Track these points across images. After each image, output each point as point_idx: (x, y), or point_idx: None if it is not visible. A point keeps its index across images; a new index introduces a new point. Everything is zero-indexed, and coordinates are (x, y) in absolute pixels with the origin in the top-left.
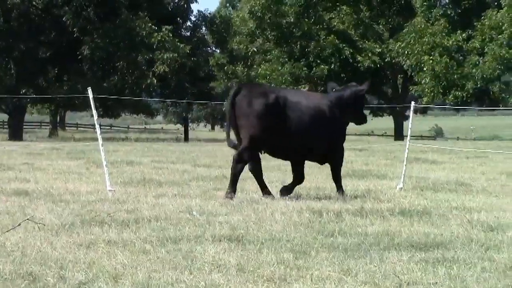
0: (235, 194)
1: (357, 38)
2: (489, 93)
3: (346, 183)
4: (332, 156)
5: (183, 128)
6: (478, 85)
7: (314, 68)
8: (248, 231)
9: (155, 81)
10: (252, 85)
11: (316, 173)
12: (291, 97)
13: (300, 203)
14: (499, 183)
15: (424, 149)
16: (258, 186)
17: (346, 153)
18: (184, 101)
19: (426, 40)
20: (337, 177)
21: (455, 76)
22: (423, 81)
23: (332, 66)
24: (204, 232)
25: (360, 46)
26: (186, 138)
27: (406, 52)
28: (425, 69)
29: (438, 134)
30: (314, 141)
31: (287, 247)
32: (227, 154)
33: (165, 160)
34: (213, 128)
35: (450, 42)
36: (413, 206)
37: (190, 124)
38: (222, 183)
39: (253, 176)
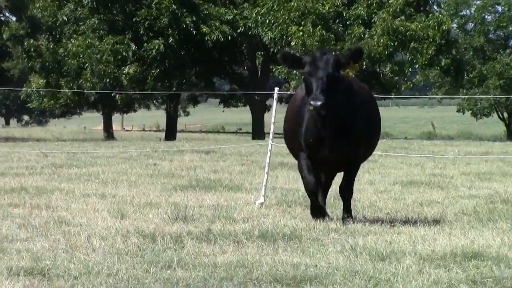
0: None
1: (200, 2)
2: (378, 76)
3: (188, 195)
4: None
5: None
6: (363, 66)
7: (145, 44)
8: (56, 263)
9: None
10: None
11: (148, 182)
12: None
13: (125, 224)
14: (391, 196)
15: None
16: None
17: (187, 156)
18: None
19: (294, 5)
20: None
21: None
22: None
23: (170, 41)
24: None
25: (206, 12)
26: None
27: (267, 20)
28: (293, 43)
29: None
30: None
31: (109, 283)
32: (28, 157)
33: None
34: (7, 123)
35: (327, 8)
36: (277, 228)
37: None
38: (20, 197)
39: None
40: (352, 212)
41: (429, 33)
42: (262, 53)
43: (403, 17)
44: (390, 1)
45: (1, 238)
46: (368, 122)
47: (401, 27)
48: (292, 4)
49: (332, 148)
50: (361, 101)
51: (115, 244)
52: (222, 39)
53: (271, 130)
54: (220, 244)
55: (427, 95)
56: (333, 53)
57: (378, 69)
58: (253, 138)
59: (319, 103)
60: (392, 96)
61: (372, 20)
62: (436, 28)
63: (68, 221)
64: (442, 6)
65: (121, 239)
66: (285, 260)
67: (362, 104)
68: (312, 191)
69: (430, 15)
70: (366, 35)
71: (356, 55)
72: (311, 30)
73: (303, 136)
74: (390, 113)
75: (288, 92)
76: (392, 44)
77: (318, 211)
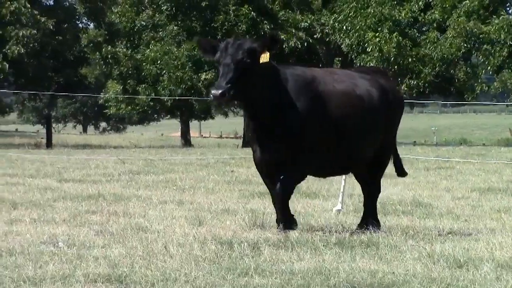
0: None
1: (277, 9)
2: (453, 81)
3: (265, 202)
4: None
5: (44, 130)
6: (437, 70)
7: None
8: (133, 269)
9: (7, 66)
10: None
11: (226, 189)
12: None
13: (203, 231)
14: (469, 203)
15: None
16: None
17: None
18: (46, 93)
19: (371, 11)
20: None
21: (410, 59)
22: (367, 65)
23: None
24: (74, 271)
25: (283, 18)
26: (49, 144)
27: (344, 27)
28: (369, 49)
29: None
30: None
31: None
32: (105, 164)
33: (21, 173)
34: (85, 130)
35: (403, 14)
36: (355, 235)
37: (54, 125)
38: (97, 204)
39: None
40: (281, 225)
41: (501, 35)
42: (340, 59)
43: (476, 19)
44: (464, 2)
45: (79, 245)
46: (297, 119)
47: (475, 29)
48: (369, 10)
49: (263, 149)
50: (292, 94)
51: (192, 251)
52: (299, 45)
53: None
54: (298, 251)
55: (505, 102)
56: (251, 39)
57: (452, 71)
58: None
59: (217, 91)
60: (466, 102)
61: (446, 24)
62: (508, 30)
63: (146, 228)
64: None
65: (198, 246)
66: (362, 267)
67: (291, 97)
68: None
69: (500, 17)
70: (441, 39)
71: (272, 42)
72: (387, 36)
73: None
74: (467, 120)
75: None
76: (465, 45)
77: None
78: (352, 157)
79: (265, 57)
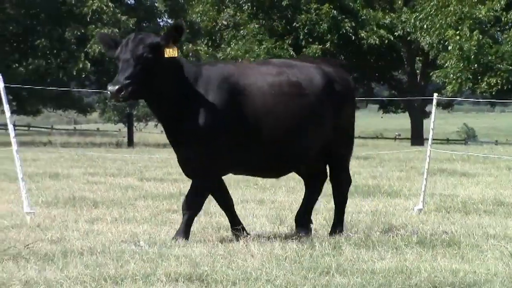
0: None
1: (359, 7)
2: None
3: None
4: None
5: (126, 129)
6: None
7: (304, 49)
8: (214, 268)
9: (89, 65)
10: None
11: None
12: None
13: (284, 230)
14: None
15: (451, 156)
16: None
17: None
18: None
19: (452, 9)
20: None
21: (490, 58)
22: (447, 64)
23: (328, 45)
24: (155, 270)
25: (364, 17)
26: (131, 143)
27: (425, 25)
28: (449, 47)
29: (469, 136)
30: None
31: None
32: None
33: (102, 172)
34: None
35: (483, 12)
36: (436, 234)
37: (135, 124)
38: (178, 202)
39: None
40: (180, 235)
41: None
42: (421, 58)
43: None
44: None
45: (160, 244)
46: (205, 115)
47: None
48: (450, 9)
49: (177, 149)
50: (201, 90)
51: (273, 250)
52: (379, 43)
53: (430, 136)
54: (379, 250)
55: None
56: (154, 34)
57: None
58: (412, 144)
59: (113, 87)
60: None
61: None
62: None
63: (226, 226)
64: None
65: (279, 245)
66: (444, 266)
67: (199, 93)
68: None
69: None
70: None
71: (175, 32)
72: (468, 35)
73: None
74: None
75: (448, 98)
76: None
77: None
78: (290, 150)
79: (172, 52)
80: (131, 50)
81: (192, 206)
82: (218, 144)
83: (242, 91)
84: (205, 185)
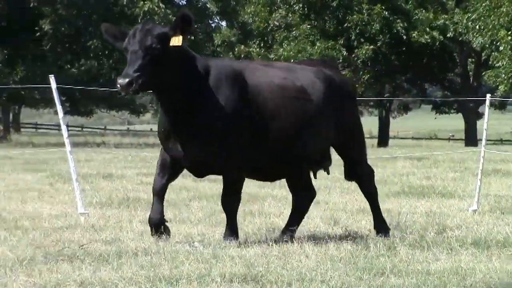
0: None
1: (411, 8)
2: None
3: (400, 202)
4: None
5: None
6: None
7: (356, 49)
8: (269, 269)
9: None
10: None
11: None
12: None
13: (339, 231)
14: None
15: (505, 157)
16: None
17: (400, 163)
18: None
19: (504, 10)
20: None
21: None
22: (498, 63)
23: (379, 44)
24: (210, 270)
25: (416, 17)
26: None
27: (478, 26)
28: (501, 48)
29: None
30: None
31: None
32: None
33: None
34: None
35: None
36: (491, 235)
37: None
38: None
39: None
40: (230, 233)
41: None
42: (474, 59)
43: None
44: None
45: (214, 245)
46: (221, 112)
47: None
48: (502, 9)
49: (183, 148)
50: (212, 84)
51: (328, 250)
52: (431, 43)
53: (484, 137)
54: (434, 251)
55: None
56: (162, 23)
57: None
58: (466, 145)
59: (123, 80)
60: None
61: None
62: None
63: (281, 227)
64: None
65: (334, 246)
66: (499, 267)
67: (210, 88)
68: (154, 192)
69: None
70: None
71: (183, 22)
72: None
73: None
74: None
75: (501, 99)
76: None
77: (152, 216)
78: (294, 151)
79: (177, 40)
80: (139, 41)
81: (230, 204)
82: (234, 138)
83: (253, 89)
84: (235, 179)
